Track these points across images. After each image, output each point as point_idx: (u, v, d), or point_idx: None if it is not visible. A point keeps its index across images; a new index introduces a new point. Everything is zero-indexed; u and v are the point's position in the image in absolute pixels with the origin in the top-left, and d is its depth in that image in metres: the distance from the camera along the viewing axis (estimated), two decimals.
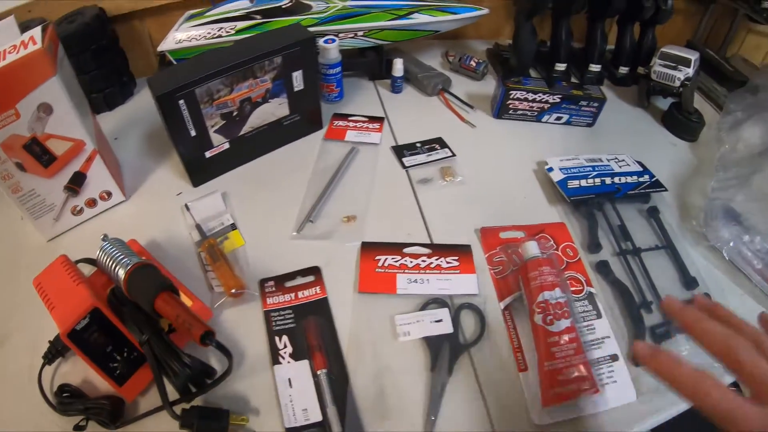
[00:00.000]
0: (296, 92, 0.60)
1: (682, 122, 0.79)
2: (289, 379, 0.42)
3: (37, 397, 0.40)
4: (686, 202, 0.65)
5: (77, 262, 0.47)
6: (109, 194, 0.57)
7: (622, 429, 0.41)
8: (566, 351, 0.43)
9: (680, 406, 0.44)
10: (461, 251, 0.51)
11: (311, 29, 0.65)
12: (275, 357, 0.43)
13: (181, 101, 0.51)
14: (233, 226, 0.54)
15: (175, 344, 0.40)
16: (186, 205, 0.55)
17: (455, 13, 0.71)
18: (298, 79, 0.59)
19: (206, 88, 0.51)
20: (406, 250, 0.51)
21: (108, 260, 0.43)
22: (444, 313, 0.45)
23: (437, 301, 0.47)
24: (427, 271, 0.49)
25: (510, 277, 0.51)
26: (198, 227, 0.53)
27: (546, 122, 0.74)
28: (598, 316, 0.49)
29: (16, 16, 0.66)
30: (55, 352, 0.42)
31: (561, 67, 0.80)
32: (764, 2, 0.85)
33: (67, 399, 0.40)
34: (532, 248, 0.50)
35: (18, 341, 0.45)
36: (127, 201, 0.58)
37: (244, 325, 0.46)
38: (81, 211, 0.55)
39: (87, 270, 0.46)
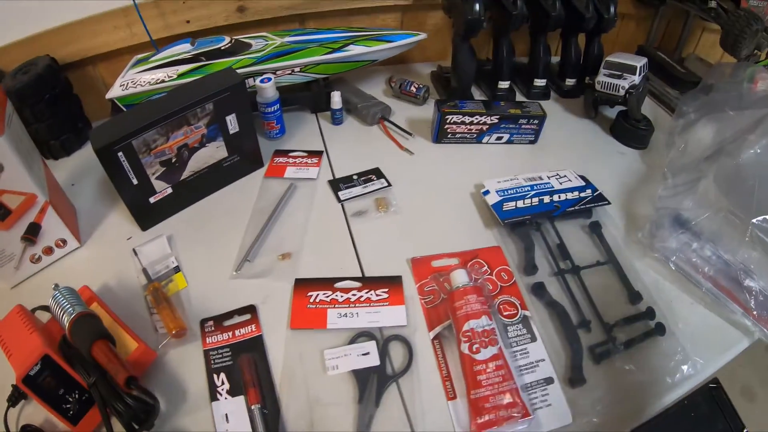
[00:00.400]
0: (232, 135, 0.64)
1: (630, 131, 0.82)
2: (226, 414, 0.45)
3: None
4: (633, 212, 0.68)
5: (35, 309, 0.51)
6: (65, 242, 0.61)
7: None
8: (493, 378, 0.46)
9: (621, 427, 0.46)
10: (391, 283, 0.55)
11: (249, 69, 0.69)
12: (213, 393, 0.47)
13: (120, 153, 0.55)
14: (177, 269, 0.58)
15: (121, 387, 0.44)
16: (134, 250, 0.60)
17: (391, 41, 0.75)
18: (232, 123, 0.63)
19: (142, 139, 0.55)
20: (338, 285, 0.55)
21: (57, 309, 0.47)
22: (371, 346, 0.49)
23: (366, 334, 0.51)
24: (357, 305, 0.53)
25: (440, 306, 0.54)
26: (144, 271, 0.57)
27: (487, 143, 0.77)
28: (533, 339, 0.52)
29: None
30: (17, 395, 0.46)
31: (504, 84, 0.84)
32: (710, 2, 0.88)
33: None
34: (459, 277, 0.53)
35: None
36: (83, 247, 0.62)
37: (186, 363, 0.50)
38: (39, 259, 0.59)
39: (46, 316, 0.50)
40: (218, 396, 0.47)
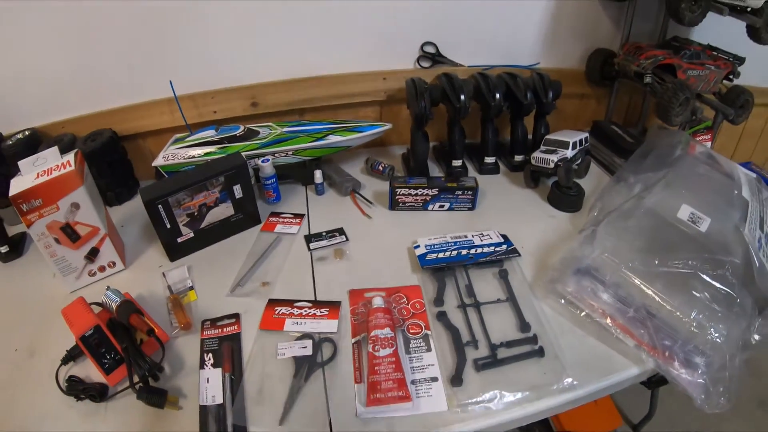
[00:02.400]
0: (238, 199, 1.06)
1: (560, 197, 1.14)
2: (208, 378, 0.80)
3: (53, 385, 0.78)
4: (546, 263, 0.99)
5: (91, 304, 0.90)
6: (114, 264, 1.01)
7: (430, 429, 0.72)
8: (386, 370, 0.77)
9: (488, 420, 0.74)
10: (332, 305, 0.91)
11: (255, 152, 1.13)
12: (202, 364, 0.82)
13: (159, 206, 0.97)
14: (191, 288, 0.97)
15: (143, 351, 0.81)
16: (163, 273, 1.00)
17: (362, 131, 1.17)
18: (238, 191, 1.05)
19: (175, 198, 0.97)
20: (296, 304, 0.92)
21: (107, 300, 0.85)
22: (308, 343, 0.85)
23: (307, 336, 0.87)
24: (306, 318, 0.89)
25: (364, 323, 0.87)
26: (169, 287, 0.97)
27: (432, 210, 1.15)
28: (428, 350, 0.83)
29: (53, 129, 1.17)
30: (68, 357, 0.82)
31: (457, 163, 1.23)
32: (645, 78, 1.23)
33: (72, 385, 0.79)
34: (376, 300, 0.88)
35: (44, 351, 0.85)
36: (127, 269, 1.03)
37: (187, 346, 0.86)
38: (94, 273, 1.00)
39: (97, 310, 0.88)
40: (205, 366, 0.83)
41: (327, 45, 1.28)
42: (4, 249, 1.07)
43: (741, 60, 1.28)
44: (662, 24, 1.35)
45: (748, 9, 1.16)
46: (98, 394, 0.77)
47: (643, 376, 0.84)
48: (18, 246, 1.09)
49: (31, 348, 0.87)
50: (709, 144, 1.30)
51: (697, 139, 1.29)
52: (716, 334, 0.80)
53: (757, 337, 0.85)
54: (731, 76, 1.29)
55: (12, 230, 1.12)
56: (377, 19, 1.25)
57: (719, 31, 1.31)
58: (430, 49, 1.33)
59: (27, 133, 1.15)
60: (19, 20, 1.07)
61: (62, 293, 0.98)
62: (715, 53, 1.29)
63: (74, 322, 0.80)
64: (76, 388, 0.78)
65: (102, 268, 1.01)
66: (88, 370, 0.81)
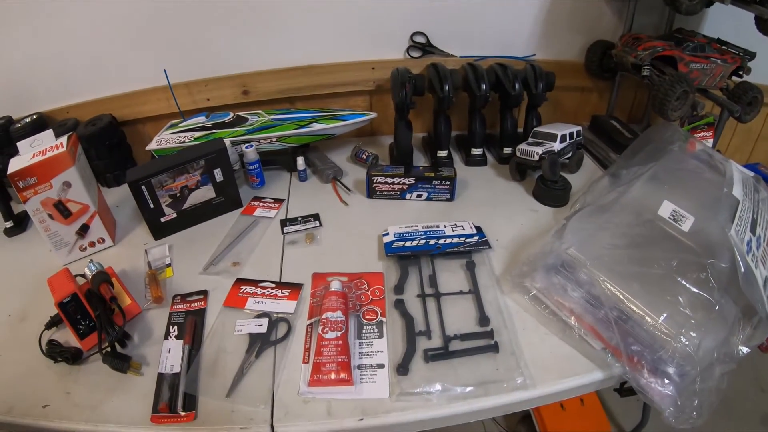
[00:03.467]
0: (218, 182, 1.14)
1: (545, 190, 1.15)
2: (170, 348, 0.89)
3: (36, 347, 0.89)
4: (519, 257, 1.00)
5: (76, 276, 0.99)
6: (103, 240, 1.12)
7: (368, 415, 0.75)
8: (331, 352, 0.81)
9: (427, 413, 0.75)
10: (294, 287, 0.98)
11: (241, 138, 1.20)
12: (167, 336, 0.91)
13: (143, 186, 1.06)
14: (169, 265, 1.06)
15: (113, 320, 0.89)
16: (145, 250, 1.10)
17: (345, 120, 1.22)
18: (218, 174, 1.13)
19: (158, 179, 1.06)
20: (261, 284, 0.99)
21: (88, 271, 0.96)
22: (264, 321, 0.92)
23: (265, 315, 0.93)
24: (267, 297, 0.96)
25: (320, 306, 0.93)
26: (148, 263, 1.06)
27: (409, 199, 1.18)
28: (380, 336, 0.86)
29: (58, 113, 1.29)
30: (51, 323, 0.92)
31: (443, 153, 1.26)
32: (644, 69, 1.22)
33: (51, 348, 0.89)
34: (334, 284, 0.94)
35: (34, 317, 0.95)
36: (115, 246, 1.14)
37: (157, 318, 0.94)
38: (85, 248, 1.10)
39: (82, 281, 1.00)
40: (169, 337, 0.91)
41: (316, 34, 1.35)
42: (9, 224, 1.20)
43: (752, 55, 1.25)
44: (668, 15, 1.33)
45: None
46: (72, 357, 0.86)
47: (610, 381, 0.82)
48: (22, 222, 1.22)
49: (22, 314, 0.98)
50: (710, 141, 1.26)
51: (697, 135, 1.26)
52: (687, 342, 0.75)
53: (744, 349, 0.81)
54: (741, 72, 1.25)
55: (18, 208, 1.23)
56: (366, 8, 1.31)
57: (734, 25, 1.27)
58: (420, 39, 1.37)
59: (34, 117, 1.27)
60: (33, 14, 1.19)
61: (56, 266, 1.08)
62: (724, 47, 1.26)
63: (56, 290, 0.90)
64: (54, 351, 0.87)
65: (92, 244, 1.12)
66: (68, 336, 0.90)
